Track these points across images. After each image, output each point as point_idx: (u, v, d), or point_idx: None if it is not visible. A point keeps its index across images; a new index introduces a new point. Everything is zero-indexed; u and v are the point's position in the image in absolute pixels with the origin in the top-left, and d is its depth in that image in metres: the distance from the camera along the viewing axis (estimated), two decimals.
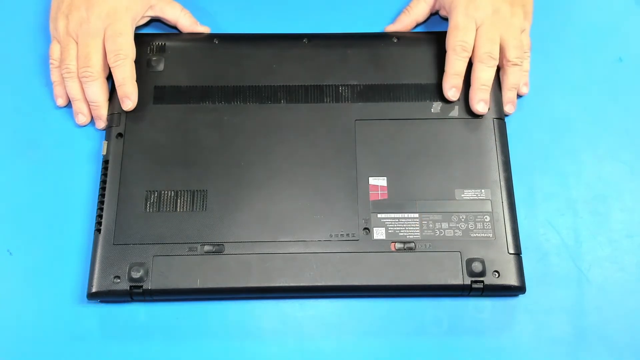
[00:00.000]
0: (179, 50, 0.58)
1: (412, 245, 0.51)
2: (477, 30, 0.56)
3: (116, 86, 0.55)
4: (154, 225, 0.51)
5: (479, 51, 0.55)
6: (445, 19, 0.62)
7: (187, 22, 0.60)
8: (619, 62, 0.61)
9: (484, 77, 0.55)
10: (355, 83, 0.57)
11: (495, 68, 0.56)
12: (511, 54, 0.56)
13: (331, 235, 0.51)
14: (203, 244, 0.51)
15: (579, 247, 0.54)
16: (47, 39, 0.61)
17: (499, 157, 0.54)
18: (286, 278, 0.50)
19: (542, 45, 0.60)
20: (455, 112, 0.56)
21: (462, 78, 0.55)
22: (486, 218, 0.52)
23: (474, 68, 0.55)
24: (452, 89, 0.55)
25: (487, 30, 0.55)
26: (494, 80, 0.56)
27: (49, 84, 0.59)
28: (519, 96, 0.59)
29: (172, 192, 0.52)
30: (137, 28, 0.60)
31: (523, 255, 0.51)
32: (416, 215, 0.52)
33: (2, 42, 0.61)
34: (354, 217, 0.52)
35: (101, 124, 0.56)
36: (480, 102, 0.55)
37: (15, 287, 0.52)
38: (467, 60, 0.55)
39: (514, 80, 0.57)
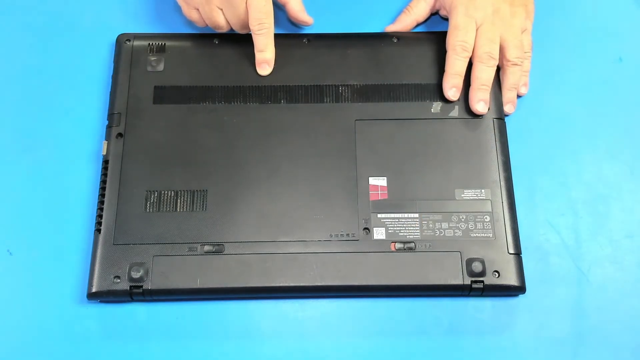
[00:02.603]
0: (179, 50, 0.58)
1: (412, 245, 0.51)
2: (477, 30, 0.56)
3: (256, 52, 0.56)
4: (154, 225, 0.51)
5: (478, 51, 0.55)
6: (446, 19, 0.62)
7: (297, 7, 0.59)
8: (619, 62, 0.61)
9: (483, 77, 0.55)
10: (355, 83, 0.57)
11: (495, 68, 0.56)
12: (511, 54, 0.56)
13: (331, 235, 0.51)
14: (203, 244, 0.51)
15: (579, 247, 0.54)
16: (47, 39, 0.61)
17: (499, 157, 0.54)
18: (286, 278, 0.50)
19: (542, 45, 0.60)
20: (455, 112, 0.56)
21: (462, 78, 0.55)
22: (486, 218, 0.52)
23: (474, 68, 0.55)
24: (452, 88, 0.55)
25: (487, 30, 0.55)
26: (494, 80, 0.56)
27: (49, 84, 0.59)
28: (518, 96, 0.59)
29: (172, 192, 0.52)
30: (137, 28, 0.60)
31: (523, 255, 0.51)
32: (416, 215, 0.52)
33: (2, 42, 0.61)
34: (354, 217, 0.52)
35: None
36: (480, 102, 0.55)
37: (15, 287, 0.52)
38: (468, 60, 0.55)
39: (513, 80, 0.57)
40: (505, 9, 0.56)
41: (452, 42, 0.55)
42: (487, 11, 0.56)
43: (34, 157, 0.56)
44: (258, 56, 0.56)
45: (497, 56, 0.55)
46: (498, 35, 0.56)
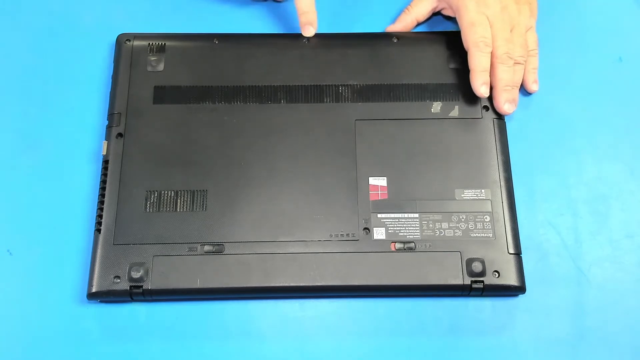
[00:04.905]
0: (179, 50, 0.58)
1: (412, 245, 0.51)
2: (490, 27, 0.55)
3: (300, 14, 0.58)
4: (154, 225, 0.51)
5: (497, 51, 0.55)
6: (449, 19, 0.62)
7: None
8: (619, 62, 0.61)
9: (506, 77, 0.55)
10: (355, 83, 0.57)
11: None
12: (515, 53, 0.56)
13: (331, 235, 0.51)
14: (203, 244, 0.51)
15: (579, 247, 0.54)
16: (47, 39, 0.61)
17: (499, 157, 0.54)
18: (286, 278, 0.50)
19: (542, 45, 0.60)
20: (455, 112, 0.56)
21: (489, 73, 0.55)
22: (486, 218, 0.52)
23: (495, 69, 0.55)
24: (482, 86, 0.55)
25: (500, 29, 0.55)
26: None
27: (49, 84, 0.59)
28: (529, 93, 0.59)
29: (172, 192, 0.52)
30: (137, 27, 0.60)
31: (523, 255, 0.51)
32: (416, 215, 0.52)
33: (2, 42, 0.61)
34: (354, 217, 0.52)
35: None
36: (506, 103, 0.55)
37: (15, 287, 0.52)
38: (490, 55, 0.55)
39: (516, 78, 0.56)
40: (512, 7, 0.56)
41: (473, 38, 0.55)
42: (496, 8, 0.56)
43: (34, 157, 0.56)
44: (302, 18, 0.58)
45: (515, 55, 0.55)
46: (509, 32, 0.55)
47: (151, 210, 0.52)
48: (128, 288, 0.49)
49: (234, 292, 0.50)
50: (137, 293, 0.49)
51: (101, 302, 0.51)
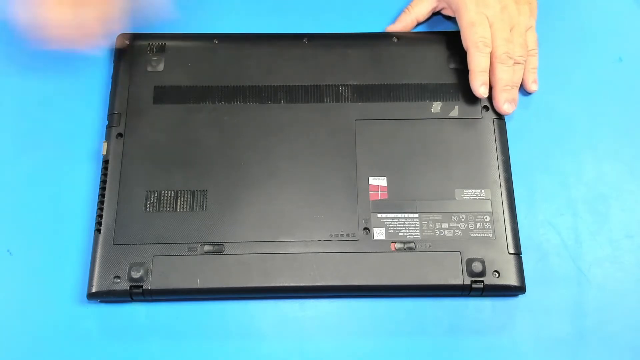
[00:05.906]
0: (179, 50, 0.58)
1: (412, 245, 0.51)
2: (490, 27, 0.55)
3: None
4: (154, 225, 0.51)
5: (497, 51, 0.55)
6: (449, 19, 0.62)
7: None
8: (619, 62, 0.61)
9: (506, 77, 0.55)
10: (355, 83, 0.57)
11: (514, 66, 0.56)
12: (515, 53, 0.56)
13: (331, 235, 0.51)
14: (203, 244, 0.51)
15: (579, 247, 0.54)
16: None
17: (499, 157, 0.54)
18: (286, 278, 0.50)
19: (542, 45, 0.60)
20: (455, 112, 0.56)
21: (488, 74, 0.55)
22: (486, 218, 0.52)
23: (495, 69, 0.55)
24: (482, 86, 0.55)
25: (500, 28, 0.55)
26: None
27: (49, 84, 0.59)
28: (529, 93, 0.59)
29: (172, 192, 0.52)
30: (138, 27, 0.60)
31: (523, 255, 0.51)
32: (416, 215, 0.52)
33: (2, 42, 0.61)
34: (354, 217, 0.52)
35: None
36: (506, 103, 0.55)
37: (15, 287, 0.52)
38: (489, 55, 0.55)
39: (515, 78, 0.57)
40: (512, 7, 0.56)
41: (472, 38, 0.55)
42: (496, 8, 0.56)
43: (34, 157, 0.56)
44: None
45: (514, 54, 0.55)
46: (509, 32, 0.55)
47: (151, 210, 0.52)
48: (128, 288, 0.49)
49: (234, 292, 0.50)
50: (137, 293, 0.49)
51: (101, 302, 0.51)
